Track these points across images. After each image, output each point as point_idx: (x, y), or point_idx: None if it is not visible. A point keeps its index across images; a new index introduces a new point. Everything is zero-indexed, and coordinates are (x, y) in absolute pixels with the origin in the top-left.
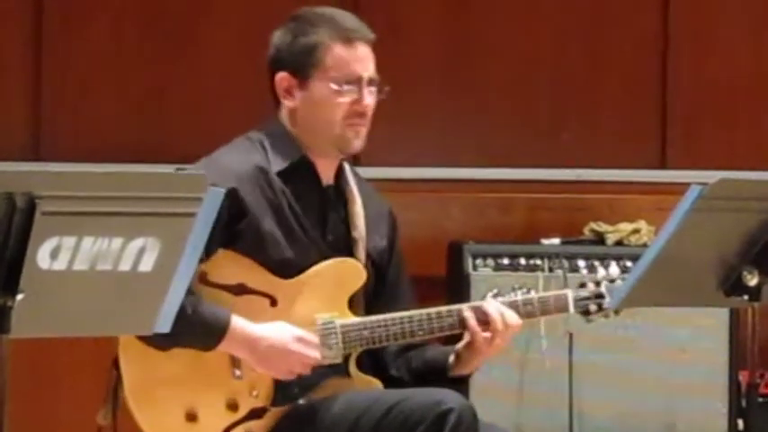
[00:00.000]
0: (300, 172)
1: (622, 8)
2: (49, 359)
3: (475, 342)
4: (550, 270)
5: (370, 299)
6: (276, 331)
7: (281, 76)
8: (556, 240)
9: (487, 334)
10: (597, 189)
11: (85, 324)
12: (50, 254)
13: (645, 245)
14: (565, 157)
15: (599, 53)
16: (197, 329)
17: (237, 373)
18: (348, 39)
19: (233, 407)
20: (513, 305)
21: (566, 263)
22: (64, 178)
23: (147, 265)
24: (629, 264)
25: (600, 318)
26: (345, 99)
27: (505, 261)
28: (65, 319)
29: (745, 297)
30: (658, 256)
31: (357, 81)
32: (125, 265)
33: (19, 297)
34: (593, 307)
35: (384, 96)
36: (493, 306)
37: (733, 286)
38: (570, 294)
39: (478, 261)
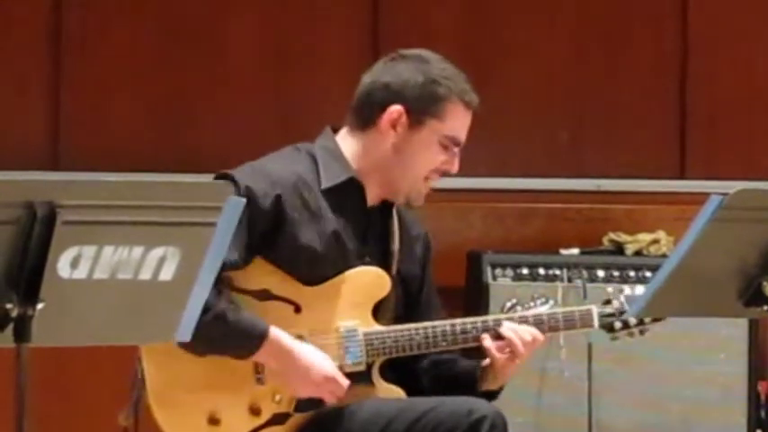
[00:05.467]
0: (347, 192)
1: (642, 17)
2: (69, 364)
3: (495, 364)
4: (569, 280)
5: (400, 315)
6: (313, 358)
7: (396, 109)
8: (575, 250)
9: (506, 355)
10: (616, 199)
11: (106, 333)
12: (71, 263)
13: (664, 255)
14: (584, 167)
15: (618, 63)
16: (236, 337)
17: (260, 377)
18: (468, 103)
19: (255, 412)
20: (537, 320)
21: (585, 273)
22: (85, 187)
23: (167, 274)
24: (648, 274)
25: (625, 336)
26: (442, 156)
27: (524, 271)
28: (85, 328)
29: (765, 307)
30: (678, 267)
31: (458, 144)
32: (145, 275)
33: (39, 306)
34: (618, 324)
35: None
36: (509, 330)
37: (752, 297)
38: (595, 310)
39: (497, 271)
